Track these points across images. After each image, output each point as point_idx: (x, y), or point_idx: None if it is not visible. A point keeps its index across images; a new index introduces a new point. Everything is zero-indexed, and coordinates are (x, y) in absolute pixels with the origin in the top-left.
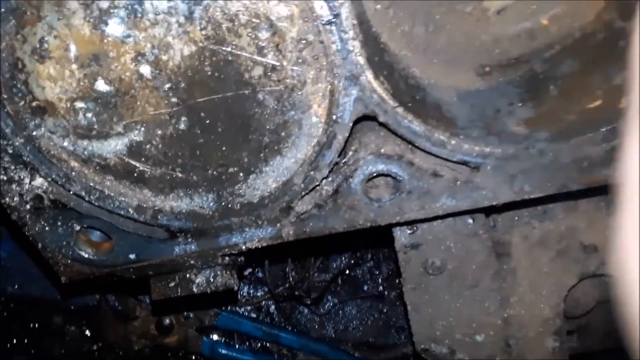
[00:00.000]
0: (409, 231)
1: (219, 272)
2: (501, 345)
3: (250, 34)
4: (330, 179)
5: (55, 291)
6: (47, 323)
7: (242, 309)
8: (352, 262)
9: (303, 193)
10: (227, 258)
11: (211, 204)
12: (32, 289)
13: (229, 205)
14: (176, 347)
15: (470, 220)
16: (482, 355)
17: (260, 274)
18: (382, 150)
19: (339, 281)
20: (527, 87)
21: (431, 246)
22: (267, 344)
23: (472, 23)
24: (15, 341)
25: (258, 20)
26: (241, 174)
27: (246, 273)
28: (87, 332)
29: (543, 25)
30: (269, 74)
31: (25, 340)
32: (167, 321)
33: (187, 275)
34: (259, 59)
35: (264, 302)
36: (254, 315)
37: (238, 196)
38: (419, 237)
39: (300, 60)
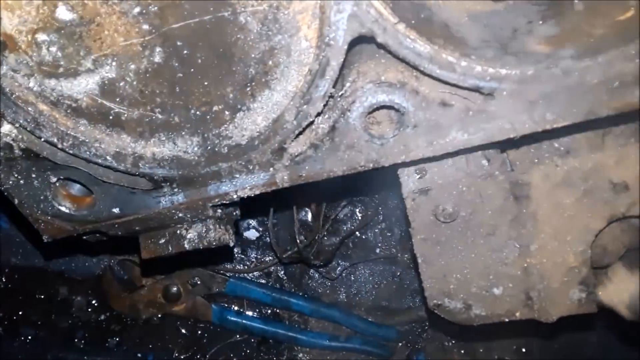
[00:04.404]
0: (417, 175)
1: (211, 226)
2: (521, 298)
3: None
4: (326, 114)
5: (60, 261)
6: (52, 294)
7: (251, 275)
8: (363, 224)
9: (296, 131)
10: (219, 211)
11: (196, 148)
12: (36, 260)
13: (216, 149)
14: (185, 315)
15: (485, 161)
16: (501, 309)
17: (268, 239)
18: (383, 78)
19: (350, 244)
20: (547, 3)
21: (442, 191)
22: (278, 311)
23: None
24: (21, 313)
25: None
26: (227, 113)
27: (253, 238)
28: (94, 302)
29: None
30: None
31: (31, 312)
32: (175, 289)
33: (178, 231)
34: None
35: (273, 268)
36: (263, 281)
37: (225, 138)
38: (428, 181)
39: None
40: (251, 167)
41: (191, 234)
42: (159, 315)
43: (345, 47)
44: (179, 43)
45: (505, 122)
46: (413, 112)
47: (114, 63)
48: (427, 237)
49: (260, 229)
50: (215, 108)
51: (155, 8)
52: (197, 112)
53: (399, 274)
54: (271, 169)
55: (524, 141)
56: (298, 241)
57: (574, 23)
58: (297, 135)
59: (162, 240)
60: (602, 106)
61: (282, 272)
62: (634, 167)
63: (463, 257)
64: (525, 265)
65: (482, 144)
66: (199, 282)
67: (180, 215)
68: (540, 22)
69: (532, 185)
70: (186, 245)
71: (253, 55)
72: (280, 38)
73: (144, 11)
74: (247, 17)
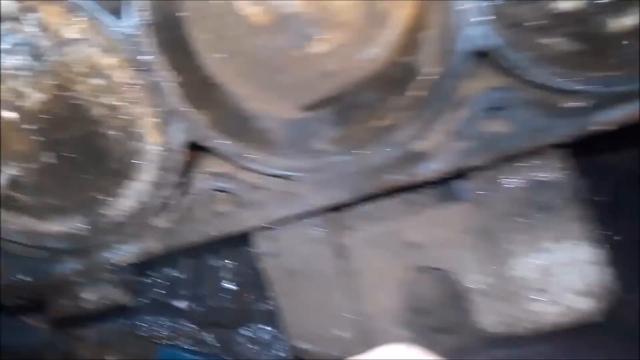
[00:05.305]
0: (267, 240)
1: (107, 289)
2: (360, 339)
3: (87, 81)
4: (179, 196)
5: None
6: None
7: (182, 343)
8: None
9: (158, 211)
10: (113, 275)
11: (84, 225)
12: None
13: (100, 226)
14: None
15: (315, 228)
16: (348, 349)
17: (198, 308)
18: (216, 170)
19: None
20: (339, 114)
21: (287, 253)
22: None
23: (302, 65)
24: None
25: (91, 70)
26: (105, 198)
27: (183, 307)
28: None
29: (358, 65)
30: (110, 112)
31: None
32: (110, 359)
33: (79, 294)
34: (99, 100)
35: (203, 335)
36: (195, 348)
37: (105, 217)
38: (276, 245)
39: (131, 100)
40: (128, 239)
41: (91, 296)
42: None
43: (183, 150)
44: (64, 149)
45: (307, 199)
46: (241, 194)
47: (18, 165)
48: (284, 291)
49: (191, 297)
50: (96, 195)
51: (45, 125)
52: (83, 198)
53: None
54: (144, 240)
55: (339, 210)
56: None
57: (351, 128)
58: (160, 213)
59: (66, 303)
60: (369, 186)
61: (212, 338)
62: (419, 229)
63: (311, 307)
64: (358, 310)
65: (296, 215)
66: (132, 351)
67: (79, 280)
68: (331, 127)
69: (351, 246)
70: (87, 306)
71: (118, 156)
72: (135, 143)
73: (37, 128)
74: (110, 130)
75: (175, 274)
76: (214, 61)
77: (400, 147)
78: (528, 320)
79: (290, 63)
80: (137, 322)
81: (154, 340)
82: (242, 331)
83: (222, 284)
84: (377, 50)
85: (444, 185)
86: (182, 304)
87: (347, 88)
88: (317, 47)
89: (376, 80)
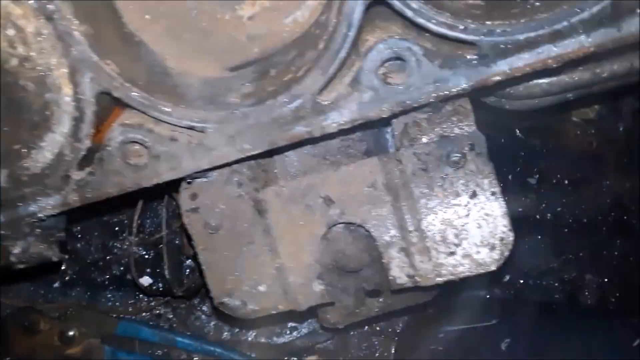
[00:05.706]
0: (189, 198)
1: (32, 243)
2: (280, 293)
3: (2, 32)
4: (93, 148)
5: None
6: None
7: (142, 318)
8: None
9: (75, 162)
10: (37, 230)
11: (5, 177)
12: None
13: (20, 178)
14: (79, 357)
15: (235, 186)
16: (268, 303)
17: (160, 285)
18: (127, 122)
19: None
20: (260, 71)
21: (207, 209)
22: (167, 350)
23: (230, 27)
24: None
25: (5, 20)
26: (24, 150)
27: (146, 284)
28: None
29: (283, 28)
30: (23, 63)
31: None
32: (70, 332)
33: (6, 246)
34: (12, 51)
35: (162, 310)
36: (153, 322)
37: (25, 169)
38: (197, 202)
39: (43, 51)
40: (48, 191)
41: (16, 250)
42: (55, 358)
43: (93, 100)
44: None
45: (218, 152)
46: (153, 145)
47: None
48: (205, 247)
49: (150, 273)
50: (15, 147)
51: None
52: (4, 151)
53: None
54: (63, 192)
55: (258, 166)
56: (166, 275)
57: (262, 84)
58: (77, 165)
59: None
60: (278, 138)
61: (171, 314)
62: (334, 185)
63: (233, 262)
64: (278, 265)
65: (208, 168)
66: (92, 325)
67: (2, 232)
68: (248, 83)
69: (268, 202)
70: (14, 259)
71: (35, 108)
72: (50, 95)
73: None
74: (26, 82)
75: (135, 249)
76: (138, 20)
77: (306, 99)
78: (437, 273)
79: (219, 26)
80: (98, 297)
81: (114, 315)
82: (200, 306)
83: (181, 259)
84: (301, 13)
85: (363, 141)
86: (141, 280)
87: (272, 51)
88: (246, 11)
89: (298, 40)
